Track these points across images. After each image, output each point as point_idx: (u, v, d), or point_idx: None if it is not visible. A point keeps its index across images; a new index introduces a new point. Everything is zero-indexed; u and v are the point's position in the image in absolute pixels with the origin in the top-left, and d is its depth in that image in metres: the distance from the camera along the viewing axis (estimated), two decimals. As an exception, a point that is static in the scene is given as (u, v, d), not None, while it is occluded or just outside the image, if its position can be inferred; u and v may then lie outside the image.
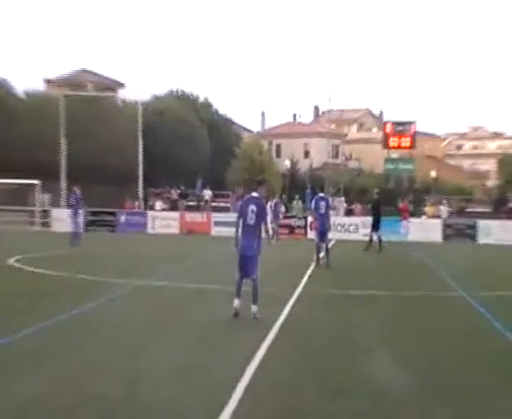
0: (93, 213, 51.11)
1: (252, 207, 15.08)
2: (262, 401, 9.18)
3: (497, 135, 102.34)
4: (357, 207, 56.10)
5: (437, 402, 9.52)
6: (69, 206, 40.40)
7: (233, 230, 15.88)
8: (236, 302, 15.19)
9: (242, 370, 10.40)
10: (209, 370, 10.69)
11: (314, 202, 30.89)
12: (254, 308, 15.07)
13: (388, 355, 12.69)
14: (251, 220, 15.00)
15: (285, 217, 49.30)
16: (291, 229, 48.59)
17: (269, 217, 31.22)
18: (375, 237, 36.81)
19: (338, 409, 9.19)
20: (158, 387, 9.68)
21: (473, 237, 47.98)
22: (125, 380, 9.97)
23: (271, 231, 29.53)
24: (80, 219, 40.20)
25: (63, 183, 56.30)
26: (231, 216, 40.97)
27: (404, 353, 12.93)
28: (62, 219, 48.41)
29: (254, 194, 15.49)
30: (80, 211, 39.98)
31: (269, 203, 45.01)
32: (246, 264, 15.33)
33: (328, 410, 9.13)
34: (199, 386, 9.72)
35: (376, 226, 37.07)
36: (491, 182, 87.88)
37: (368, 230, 39.68)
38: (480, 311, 17.72)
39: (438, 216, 52.71)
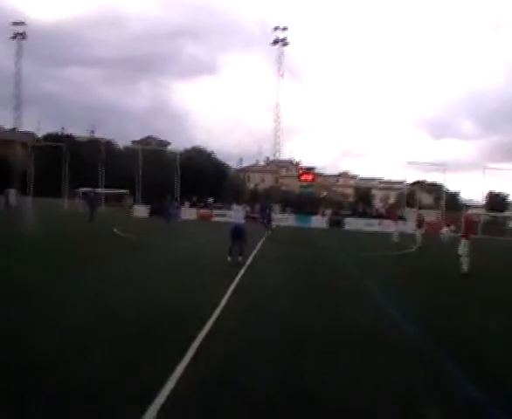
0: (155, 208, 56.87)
1: (238, 208, 19.10)
2: (245, 284, 12.63)
3: (355, 177, 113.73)
4: (287, 209, 63.43)
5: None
6: (169, 207, 48.39)
7: (224, 218, 21.99)
8: (229, 258, 16.92)
9: (233, 279, 13.05)
10: (217, 282, 12.83)
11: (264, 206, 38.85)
12: (240, 258, 16.95)
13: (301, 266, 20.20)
14: (239, 215, 18.30)
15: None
16: (253, 218, 49.12)
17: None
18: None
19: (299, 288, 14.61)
20: (200, 281, 12.68)
21: (342, 226, 58.68)
22: (174, 288, 11.65)
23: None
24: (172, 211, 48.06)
25: (139, 194, 64.88)
26: (223, 212, 54.20)
27: (309, 264, 19.78)
28: (139, 210, 59.41)
29: (237, 205, 20.03)
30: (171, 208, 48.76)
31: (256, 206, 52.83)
32: (237, 235, 17.33)
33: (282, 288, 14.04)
34: (213, 287, 11.87)
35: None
36: (351, 199, 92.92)
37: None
38: (341, 256, 23.44)
39: (325, 215, 63.22)
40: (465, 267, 17.58)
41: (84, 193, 56.46)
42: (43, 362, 6.25)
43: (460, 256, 17.84)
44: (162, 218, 45.46)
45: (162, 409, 5.05)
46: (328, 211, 65.40)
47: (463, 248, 17.83)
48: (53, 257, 16.60)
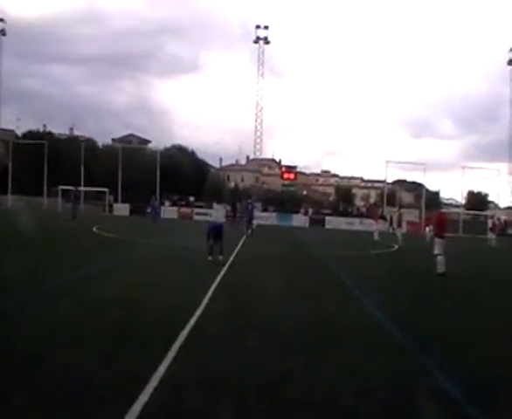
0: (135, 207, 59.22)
1: (219, 207, 22.73)
2: (227, 283, 12.88)
3: (336, 175, 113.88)
4: (269, 208, 64.25)
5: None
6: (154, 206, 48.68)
7: (205, 217, 20.19)
8: (210, 257, 17.06)
9: (214, 278, 13.17)
10: (201, 275, 13.72)
11: (245, 204, 38.45)
12: (220, 257, 17.10)
13: (280, 261, 20.39)
14: (219, 214, 19.11)
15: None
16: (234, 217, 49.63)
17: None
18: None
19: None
20: (181, 281, 12.84)
21: (323, 225, 59.73)
22: (158, 285, 11.89)
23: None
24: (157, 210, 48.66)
25: (119, 192, 63.81)
26: (204, 211, 54.61)
27: (288, 264, 20.16)
28: (119, 209, 60.46)
29: (218, 205, 23.06)
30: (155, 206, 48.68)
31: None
32: (217, 234, 17.39)
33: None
34: (194, 286, 11.98)
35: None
36: (331, 198, 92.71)
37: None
38: (322, 255, 23.54)
39: (307, 214, 63.76)
40: (441, 267, 17.64)
41: (65, 190, 56.13)
42: (19, 360, 6.25)
43: (435, 255, 17.93)
44: (144, 217, 45.86)
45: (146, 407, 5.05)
46: (310, 210, 65.79)
47: (438, 247, 17.95)
48: (34, 256, 16.45)
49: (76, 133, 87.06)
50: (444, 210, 32.38)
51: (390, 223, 44.29)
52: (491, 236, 43.23)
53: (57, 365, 6.15)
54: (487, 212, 70.16)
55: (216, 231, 17.47)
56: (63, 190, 58.61)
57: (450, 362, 7.40)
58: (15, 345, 6.86)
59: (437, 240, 18.23)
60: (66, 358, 6.44)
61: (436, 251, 17.93)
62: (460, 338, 8.96)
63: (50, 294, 10.48)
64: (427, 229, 41.21)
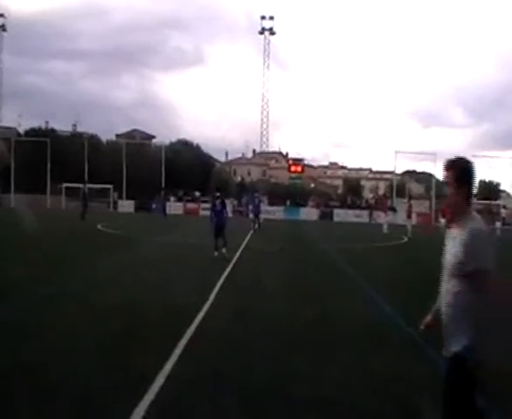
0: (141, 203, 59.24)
1: (219, 202, 18.50)
2: (234, 276, 13.60)
3: (344, 167, 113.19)
4: (276, 202, 62.86)
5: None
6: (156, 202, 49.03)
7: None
8: (215, 253, 17.52)
9: (222, 271, 13.89)
10: (206, 273, 14.00)
11: (252, 198, 39.54)
12: (224, 250, 17.66)
13: (287, 255, 21.10)
14: (219, 210, 18.05)
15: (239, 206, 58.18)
16: (240, 212, 54.95)
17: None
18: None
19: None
20: (187, 278, 13.01)
21: (331, 218, 59.35)
22: (165, 282, 12.17)
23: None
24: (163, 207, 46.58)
25: (124, 189, 63.39)
26: (209, 206, 57.96)
27: (294, 253, 21.60)
28: (124, 205, 60.06)
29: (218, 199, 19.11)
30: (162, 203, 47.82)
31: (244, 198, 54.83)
32: (220, 230, 17.88)
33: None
34: (204, 277, 13.13)
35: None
36: (339, 190, 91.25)
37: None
38: (326, 248, 24.29)
39: (319, 206, 63.86)
40: None
41: (69, 188, 57.33)
42: (28, 363, 6.35)
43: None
44: (150, 213, 46.53)
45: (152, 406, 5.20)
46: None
47: None
48: (38, 257, 16.45)
49: (79, 129, 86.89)
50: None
51: (370, 214, 45.31)
52: (498, 225, 42.98)
53: (63, 366, 6.36)
54: (499, 201, 69.63)
55: (218, 224, 17.91)
56: (67, 188, 59.02)
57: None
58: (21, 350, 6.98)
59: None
60: (71, 358, 6.64)
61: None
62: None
63: (56, 298, 10.55)
64: (442, 220, 40.97)
